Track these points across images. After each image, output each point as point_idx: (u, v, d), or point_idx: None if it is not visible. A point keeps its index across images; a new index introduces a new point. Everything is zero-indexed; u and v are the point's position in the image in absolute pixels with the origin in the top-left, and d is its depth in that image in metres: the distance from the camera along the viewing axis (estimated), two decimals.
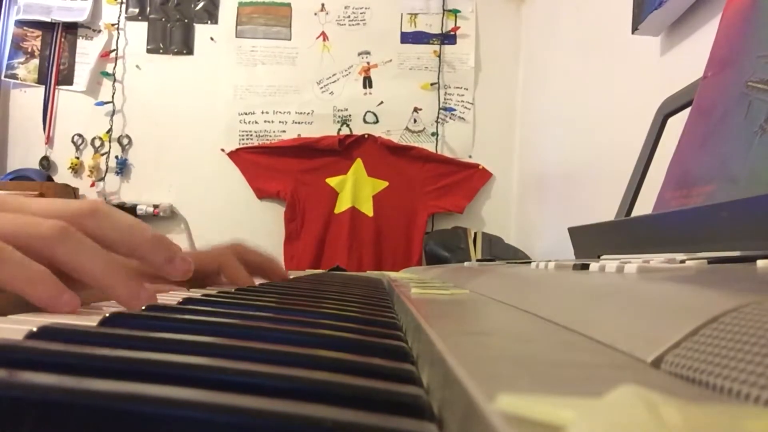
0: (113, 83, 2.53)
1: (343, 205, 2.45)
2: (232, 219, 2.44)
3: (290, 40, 2.54)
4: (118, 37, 2.55)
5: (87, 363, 0.15)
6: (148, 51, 2.55)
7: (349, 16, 2.54)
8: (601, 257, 0.58)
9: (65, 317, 0.25)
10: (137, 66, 2.55)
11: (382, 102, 2.52)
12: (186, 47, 2.55)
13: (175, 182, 2.50)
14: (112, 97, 2.52)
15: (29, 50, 2.56)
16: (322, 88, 2.53)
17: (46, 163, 2.52)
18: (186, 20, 2.55)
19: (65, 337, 0.19)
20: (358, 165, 2.47)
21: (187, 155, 2.50)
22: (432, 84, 2.51)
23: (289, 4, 2.55)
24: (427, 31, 2.53)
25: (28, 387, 0.12)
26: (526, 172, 2.34)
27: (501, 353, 0.17)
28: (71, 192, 2.43)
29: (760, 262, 0.25)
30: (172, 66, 2.54)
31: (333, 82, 2.53)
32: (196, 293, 0.38)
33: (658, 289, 0.22)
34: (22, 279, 0.26)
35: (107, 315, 0.23)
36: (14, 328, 0.20)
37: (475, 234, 2.22)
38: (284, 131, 2.52)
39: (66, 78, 2.55)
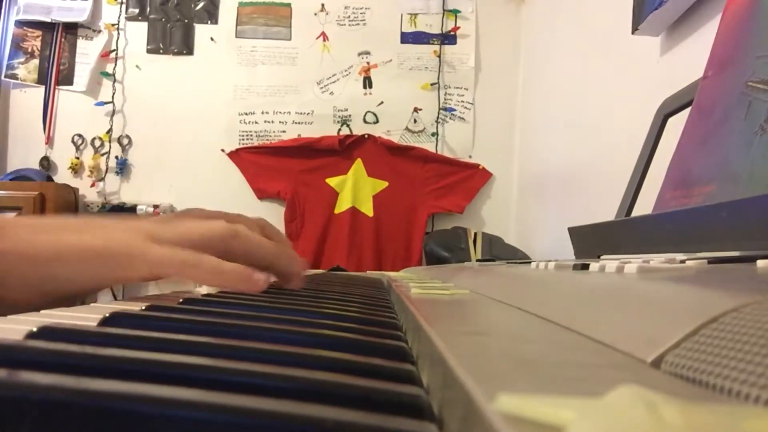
0: (113, 83, 2.53)
1: (343, 205, 2.45)
2: None
3: (290, 40, 2.54)
4: (118, 38, 2.55)
5: (87, 363, 0.15)
6: (148, 51, 2.55)
7: (349, 17, 2.54)
8: (601, 257, 0.58)
9: (65, 317, 0.25)
10: (137, 66, 2.55)
11: (382, 102, 2.52)
12: (186, 47, 2.55)
13: (175, 182, 2.50)
14: (112, 97, 2.52)
15: (29, 50, 2.56)
16: (322, 88, 2.53)
17: (46, 163, 2.52)
18: (186, 20, 2.55)
19: (65, 337, 0.19)
20: (358, 165, 2.47)
21: (187, 155, 2.50)
22: (432, 84, 2.51)
23: (289, 5, 2.55)
24: (427, 31, 2.53)
25: (28, 387, 0.12)
26: (526, 172, 2.34)
27: (501, 353, 0.17)
28: (71, 192, 2.44)
29: (760, 262, 0.25)
30: (172, 66, 2.54)
31: (333, 82, 2.53)
32: (196, 293, 0.38)
33: (658, 289, 0.22)
34: (225, 273, 0.35)
35: (107, 315, 0.23)
36: (14, 328, 0.20)
37: (475, 234, 2.22)
38: (284, 131, 2.52)
39: (66, 78, 2.55)
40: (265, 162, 2.48)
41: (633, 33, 1.20)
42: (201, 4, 2.55)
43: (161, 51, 2.55)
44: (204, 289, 0.42)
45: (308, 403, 0.13)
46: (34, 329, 0.19)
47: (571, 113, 1.79)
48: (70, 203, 2.42)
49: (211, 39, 2.55)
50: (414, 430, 0.12)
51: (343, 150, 2.47)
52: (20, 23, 2.54)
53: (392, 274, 0.90)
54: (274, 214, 2.47)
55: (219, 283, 0.36)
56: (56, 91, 2.54)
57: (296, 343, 0.21)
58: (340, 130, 2.52)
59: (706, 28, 1.05)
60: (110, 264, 0.34)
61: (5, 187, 2.27)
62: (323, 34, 2.54)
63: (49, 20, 2.52)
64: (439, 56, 2.52)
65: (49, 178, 2.45)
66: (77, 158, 2.52)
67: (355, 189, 2.45)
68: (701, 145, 0.54)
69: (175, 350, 0.17)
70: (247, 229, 0.39)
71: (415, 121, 2.52)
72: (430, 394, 0.16)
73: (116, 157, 2.51)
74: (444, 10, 2.52)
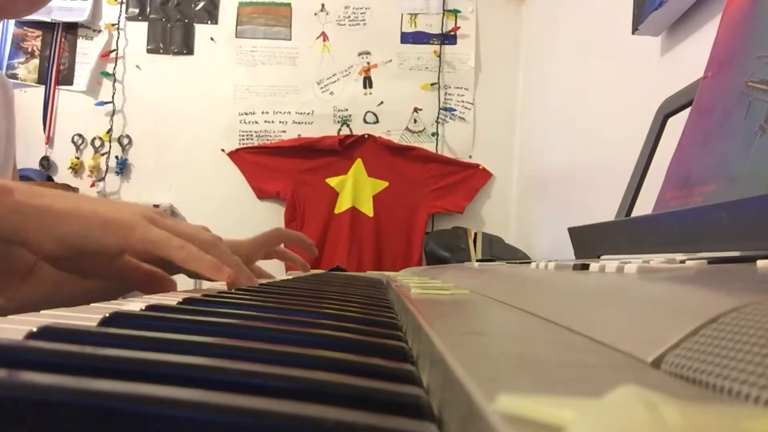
0: (113, 83, 2.53)
1: (343, 206, 2.45)
2: (232, 219, 2.44)
3: (290, 40, 2.54)
4: (118, 37, 2.55)
5: (87, 363, 0.15)
6: (149, 51, 2.55)
7: (349, 17, 2.54)
8: (601, 257, 0.58)
9: (65, 317, 0.25)
10: (137, 66, 2.55)
11: (382, 102, 2.52)
12: (186, 47, 2.55)
13: (175, 182, 2.50)
14: (113, 97, 2.52)
15: (29, 50, 2.56)
16: (322, 88, 2.53)
17: (46, 163, 2.52)
18: (186, 20, 2.55)
19: (65, 337, 0.19)
20: (359, 165, 2.47)
21: (187, 155, 2.50)
22: (432, 84, 2.51)
23: (289, 5, 2.55)
24: (427, 31, 2.53)
25: (28, 387, 0.12)
26: (526, 172, 2.34)
27: (501, 353, 0.17)
28: (71, 192, 2.44)
29: (760, 262, 0.25)
30: (173, 66, 2.54)
31: (333, 82, 2.53)
32: (196, 293, 0.38)
33: (658, 289, 0.22)
34: (201, 260, 0.43)
35: (107, 315, 0.23)
36: (14, 328, 0.20)
37: (475, 234, 2.22)
38: (284, 131, 2.52)
39: (66, 78, 2.55)
40: (265, 162, 2.48)
41: (633, 33, 1.20)
42: (201, 4, 2.55)
43: (161, 51, 2.55)
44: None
45: (308, 403, 0.13)
46: (34, 329, 0.19)
47: (571, 113, 1.79)
48: None
49: (211, 39, 2.55)
50: (414, 430, 0.12)
51: (343, 150, 2.47)
52: (20, 23, 2.54)
53: (392, 274, 0.90)
54: (274, 214, 2.47)
55: (196, 266, 0.43)
56: (56, 91, 2.54)
57: (296, 343, 0.21)
58: (340, 130, 2.52)
59: (706, 28, 1.05)
60: (115, 230, 0.42)
61: None
62: (323, 34, 2.54)
63: (49, 20, 2.52)
64: (439, 56, 2.52)
65: (50, 178, 2.45)
66: (77, 158, 2.52)
67: (356, 189, 2.45)
68: (701, 145, 0.54)
69: (175, 350, 0.17)
70: (224, 246, 0.48)
71: (415, 121, 2.52)
72: (430, 394, 0.16)
73: (116, 157, 2.51)
74: (444, 10, 2.52)
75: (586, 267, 0.33)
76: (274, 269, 0.84)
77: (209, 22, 2.55)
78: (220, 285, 0.52)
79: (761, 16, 0.51)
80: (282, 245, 0.84)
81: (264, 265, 0.82)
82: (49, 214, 0.41)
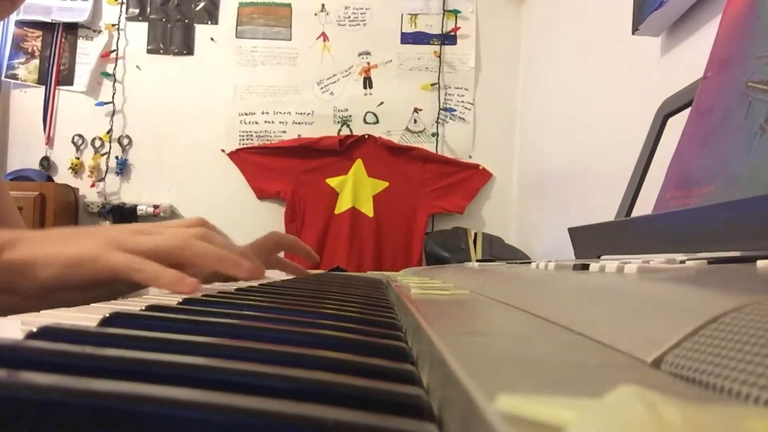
0: (113, 83, 2.53)
1: (343, 206, 2.45)
2: (232, 219, 2.44)
3: (290, 40, 2.54)
4: (118, 38, 2.55)
5: (87, 363, 0.15)
6: (149, 51, 2.55)
7: (349, 17, 2.54)
8: (601, 257, 0.58)
9: (65, 317, 0.25)
10: (137, 66, 2.55)
11: (382, 102, 2.52)
12: (186, 48, 2.55)
13: (175, 182, 2.50)
14: (113, 97, 2.52)
15: (30, 50, 2.56)
16: (322, 88, 2.53)
17: (46, 163, 2.52)
18: (186, 20, 2.55)
19: (65, 337, 0.19)
20: (359, 165, 2.47)
21: (187, 155, 2.50)
22: (432, 84, 2.51)
23: (289, 5, 2.55)
24: (427, 31, 2.53)
25: (28, 387, 0.12)
26: (526, 172, 2.34)
27: (501, 353, 0.17)
28: (71, 192, 2.43)
29: (760, 262, 0.25)
30: (173, 66, 2.54)
31: (333, 82, 2.53)
32: (196, 294, 0.38)
33: (658, 289, 0.22)
34: (161, 278, 0.43)
35: (107, 315, 0.23)
36: (14, 328, 0.20)
37: (475, 234, 2.22)
38: (284, 131, 2.52)
39: (66, 78, 2.55)
40: (265, 162, 2.48)
41: (633, 33, 1.20)
42: (201, 5, 2.55)
43: (161, 51, 2.55)
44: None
45: (308, 403, 0.13)
46: (34, 329, 0.19)
47: (571, 113, 1.79)
48: (70, 203, 2.42)
49: (212, 39, 2.55)
50: (414, 430, 0.12)
51: (343, 150, 2.47)
52: (20, 23, 2.54)
53: (392, 274, 0.90)
54: (274, 214, 2.47)
55: (158, 285, 0.44)
56: (56, 91, 2.54)
57: (296, 343, 0.21)
58: (340, 130, 2.52)
59: (706, 28, 1.05)
60: (80, 267, 0.45)
61: None
62: (323, 34, 2.54)
63: (49, 20, 2.52)
64: (440, 56, 2.52)
65: (50, 179, 2.45)
66: (77, 158, 2.52)
67: (356, 189, 2.45)
68: (701, 146, 0.54)
69: (175, 350, 0.17)
70: (197, 241, 0.48)
71: (415, 121, 2.52)
72: (430, 394, 0.16)
73: (116, 158, 2.51)
74: (444, 11, 2.52)
75: (586, 267, 0.33)
76: (272, 270, 0.84)
77: (209, 22, 2.55)
78: (219, 285, 0.52)
79: (761, 16, 0.51)
80: (282, 253, 0.82)
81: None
82: (28, 266, 0.45)
